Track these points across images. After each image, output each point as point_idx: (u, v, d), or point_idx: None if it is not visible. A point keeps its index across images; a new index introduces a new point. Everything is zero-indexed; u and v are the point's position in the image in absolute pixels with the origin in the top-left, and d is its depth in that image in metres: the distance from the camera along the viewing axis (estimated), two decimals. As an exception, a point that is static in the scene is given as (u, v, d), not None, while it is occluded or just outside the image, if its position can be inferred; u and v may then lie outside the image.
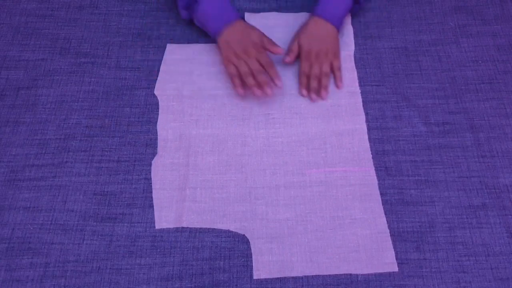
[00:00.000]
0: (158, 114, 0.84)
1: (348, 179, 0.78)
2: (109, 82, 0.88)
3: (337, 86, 0.86)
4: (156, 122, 0.83)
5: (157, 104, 0.85)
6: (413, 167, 0.80)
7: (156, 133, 0.82)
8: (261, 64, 0.82)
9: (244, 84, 0.83)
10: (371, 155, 0.80)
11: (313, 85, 0.85)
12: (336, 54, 0.87)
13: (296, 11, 0.96)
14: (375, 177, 0.78)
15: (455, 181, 0.78)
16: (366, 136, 0.82)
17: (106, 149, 0.81)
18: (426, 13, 0.97)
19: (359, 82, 0.88)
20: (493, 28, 0.95)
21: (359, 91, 0.87)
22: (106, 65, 0.89)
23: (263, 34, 0.85)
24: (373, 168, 0.79)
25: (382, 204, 0.76)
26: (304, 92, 0.85)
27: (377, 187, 0.77)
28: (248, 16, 0.96)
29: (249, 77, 0.82)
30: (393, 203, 0.76)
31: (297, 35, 0.88)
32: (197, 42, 0.93)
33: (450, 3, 0.98)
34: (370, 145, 0.81)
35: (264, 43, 0.84)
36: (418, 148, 0.81)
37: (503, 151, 0.81)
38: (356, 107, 0.85)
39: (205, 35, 0.93)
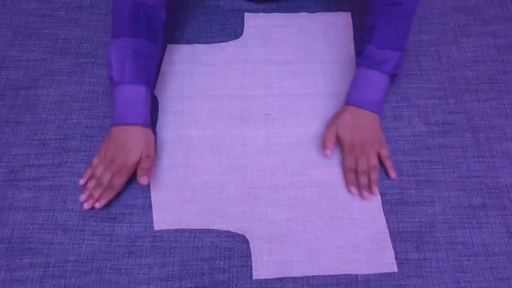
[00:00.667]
0: (158, 114, 0.84)
1: (347, 179, 0.78)
2: (109, 82, 0.88)
3: (390, 176, 0.77)
4: (156, 122, 0.83)
5: (157, 104, 0.85)
6: (413, 167, 0.79)
7: (156, 133, 0.82)
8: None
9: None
10: (370, 156, 0.80)
11: (363, 182, 0.76)
12: (382, 142, 0.78)
13: (296, 11, 0.96)
14: (375, 177, 0.78)
15: (455, 181, 0.78)
16: (366, 137, 0.82)
17: (106, 149, 0.81)
18: (426, 13, 0.97)
19: (359, 82, 0.88)
20: (493, 28, 0.95)
21: (359, 91, 0.87)
22: (106, 65, 0.89)
23: (146, 157, 0.74)
24: (373, 169, 0.79)
25: (382, 204, 0.76)
26: (354, 190, 0.76)
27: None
28: (248, 16, 0.96)
29: (92, 181, 0.75)
30: (393, 203, 0.76)
31: (333, 124, 0.80)
32: (197, 42, 0.93)
33: (450, 3, 0.98)
34: (370, 145, 0.81)
35: (137, 168, 0.74)
36: (418, 148, 0.81)
37: (503, 151, 0.81)
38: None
39: (205, 35, 0.93)
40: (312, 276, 0.70)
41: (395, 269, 0.71)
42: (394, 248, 0.72)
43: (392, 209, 0.76)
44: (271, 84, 0.88)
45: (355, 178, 0.77)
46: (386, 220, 0.75)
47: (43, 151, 0.80)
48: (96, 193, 0.74)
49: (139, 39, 0.76)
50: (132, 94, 0.75)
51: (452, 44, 0.93)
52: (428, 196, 0.77)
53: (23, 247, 0.72)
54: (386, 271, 0.70)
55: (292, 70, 0.89)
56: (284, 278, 0.70)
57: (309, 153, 0.81)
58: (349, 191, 0.76)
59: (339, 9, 0.97)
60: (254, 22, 0.95)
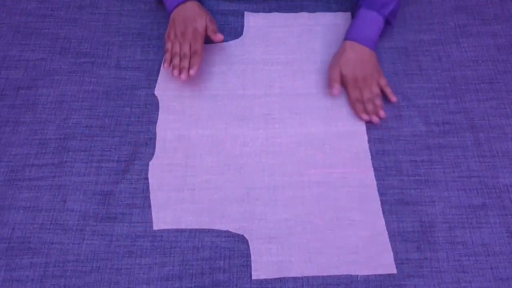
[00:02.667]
0: (158, 114, 0.84)
1: (346, 180, 0.78)
2: (109, 82, 0.88)
3: (391, 100, 0.85)
4: (156, 122, 0.83)
5: (157, 104, 0.85)
6: (413, 167, 0.79)
7: (156, 133, 0.82)
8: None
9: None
10: (370, 157, 0.80)
11: (370, 108, 0.83)
12: (380, 73, 0.86)
13: (296, 11, 0.96)
14: (374, 179, 0.78)
15: (455, 181, 0.78)
16: (366, 138, 0.82)
17: (106, 149, 0.81)
18: (426, 13, 0.97)
19: (359, 82, 0.88)
20: (493, 28, 0.95)
21: (359, 91, 0.87)
22: (106, 65, 0.89)
23: (210, 21, 0.87)
24: (372, 170, 0.79)
25: (382, 204, 0.76)
26: (365, 116, 0.83)
27: (376, 189, 0.77)
28: (248, 16, 0.96)
29: (176, 57, 0.84)
30: (393, 203, 0.76)
31: (336, 64, 0.86)
32: (197, 42, 0.93)
33: (450, 3, 0.98)
34: (370, 145, 0.81)
35: (207, 31, 0.86)
36: (418, 148, 0.81)
37: (503, 151, 0.81)
38: (357, 108, 0.85)
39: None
40: (312, 276, 0.70)
41: (394, 270, 0.70)
42: (394, 248, 0.72)
43: (392, 209, 0.76)
44: (271, 84, 0.87)
45: (364, 107, 0.84)
46: (386, 220, 0.75)
47: (43, 151, 0.80)
48: (186, 64, 0.83)
49: None
50: None
51: (452, 44, 0.92)
52: (428, 196, 0.77)
53: (23, 247, 0.72)
54: (385, 272, 0.70)
55: (292, 70, 0.89)
56: (284, 278, 0.70)
57: (308, 154, 0.80)
58: (361, 118, 0.83)
59: (339, 9, 0.97)
60: (254, 22, 0.95)
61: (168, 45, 0.85)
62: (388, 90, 0.85)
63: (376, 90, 0.84)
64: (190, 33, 0.84)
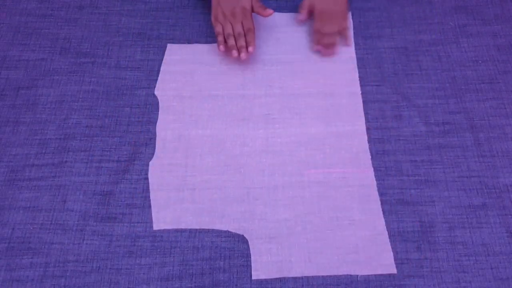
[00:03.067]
0: (158, 114, 0.84)
1: (346, 180, 0.78)
2: (109, 82, 0.88)
3: (347, 44, 0.91)
4: (156, 122, 0.83)
5: (157, 104, 0.85)
6: (413, 167, 0.79)
7: (156, 133, 0.82)
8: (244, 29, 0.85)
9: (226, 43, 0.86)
10: (370, 157, 0.80)
11: (326, 41, 0.89)
12: (345, 16, 0.91)
13: (296, 11, 0.96)
14: (374, 178, 0.78)
15: (455, 181, 0.78)
16: (366, 138, 0.82)
17: (106, 149, 0.81)
18: (426, 13, 0.97)
19: (360, 82, 0.88)
20: (493, 28, 0.95)
21: (360, 92, 0.87)
22: (106, 65, 0.89)
23: None
24: (372, 170, 0.79)
25: (382, 204, 0.76)
26: (318, 47, 0.90)
27: (376, 188, 0.77)
28: (248, 16, 0.96)
29: (231, 38, 0.85)
30: (393, 203, 0.76)
31: None
32: (197, 42, 0.93)
33: (450, 3, 0.98)
34: (370, 145, 0.81)
35: (254, 8, 0.86)
36: (418, 148, 0.81)
37: (503, 151, 0.81)
38: (356, 108, 0.85)
39: (205, 35, 0.93)
40: (312, 276, 0.70)
41: (394, 270, 0.70)
42: (394, 248, 0.72)
43: (392, 209, 0.76)
44: (271, 84, 0.88)
45: (321, 39, 0.89)
46: (386, 220, 0.75)
47: (43, 151, 0.80)
48: (243, 42, 0.84)
49: None
50: None
51: (452, 44, 0.92)
52: (428, 196, 0.77)
53: (23, 247, 0.72)
54: (385, 272, 0.70)
55: (292, 70, 0.89)
56: (284, 278, 0.70)
57: (308, 154, 0.80)
58: (314, 49, 0.91)
59: (339, 9, 0.97)
60: (254, 22, 0.94)
61: (218, 28, 0.86)
62: (346, 33, 0.91)
63: (336, 28, 0.89)
64: (240, 12, 0.84)
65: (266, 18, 0.95)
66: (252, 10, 0.86)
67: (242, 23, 0.85)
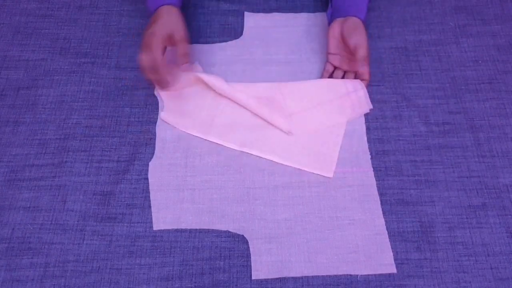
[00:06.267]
0: (158, 114, 0.84)
1: (346, 180, 0.78)
2: (109, 82, 0.88)
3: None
4: (156, 122, 0.83)
5: (157, 104, 0.85)
6: (413, 167, 0.80)
7: (156, 133, 0.82)
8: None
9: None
10: (369, 156, 0.80)
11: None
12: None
13: (296, 11, 0.96)
14: (374, 178, 0.78)
15: (455, 181, 0.78)
16: (365, 138, 0.82)
17: (106, 149, 0.81)
18: (426, 13, 0.97)
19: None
20: (493, 28, 0.95)
21: (359, 92, 0.87)
22: (106, 65, 0.90)
23: (179, 35, 0.79)
24: (372, 169, 0.79)
25: (382, 204, 0.76)
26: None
27: (376, 188, 0.77)
28: (248, 16, 0.96)
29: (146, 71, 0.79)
30: (393, 203, 0.76)
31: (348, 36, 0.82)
32: (197, 42, 0.93)
33: (450, 3, 0.98)
34: (370, 145, 0.81)
35: (175, 43, 0.80)
36: (418, 148, 0.81)
37: (503, 151, 0.81)
38: (356, 108, 0.85)
39: (205, 35, 0.93)
40: (312, 276, 0.70)
41: (394, 270, 0.71)
42: (394, 248, 0.72)
43: (392, 209, 0.76)
44: (271, 84, 0.87)
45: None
46: (386, 220, 0.75)
47: (43, 151, 0.80)
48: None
49: None
50: None
51: (452, 44, 0.93)
52: (428, 196, 0.77)
53: (23, 247, 0.72)
54: (385, 272, 0.70)
55: (292, 70, 0.89)
56: (284, 278, 0.70)
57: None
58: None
59: (339, 9, 0.97)
60: (254, 22, 0.95)
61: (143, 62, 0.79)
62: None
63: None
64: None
65: (266, 17, 0.94)
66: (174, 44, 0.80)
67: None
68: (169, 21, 0.80)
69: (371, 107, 0.84)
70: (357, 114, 0.83)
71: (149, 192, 0.77)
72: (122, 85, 0.87)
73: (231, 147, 0.80)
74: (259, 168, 0.79)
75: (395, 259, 0.71)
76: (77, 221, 0.74)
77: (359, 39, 0.81)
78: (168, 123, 0.83)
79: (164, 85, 0.81)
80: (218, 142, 0.81)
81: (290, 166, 0.79)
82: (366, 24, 0.87)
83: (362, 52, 0.81)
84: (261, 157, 0.80)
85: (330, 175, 0.78)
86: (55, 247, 0.72)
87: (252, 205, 0.76)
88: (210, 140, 0.81)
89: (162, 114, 0.83)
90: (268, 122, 0.82)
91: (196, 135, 0.82)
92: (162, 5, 0.81)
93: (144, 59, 0.77)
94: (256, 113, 0.83)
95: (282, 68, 0.89)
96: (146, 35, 0.78)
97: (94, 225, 0.74)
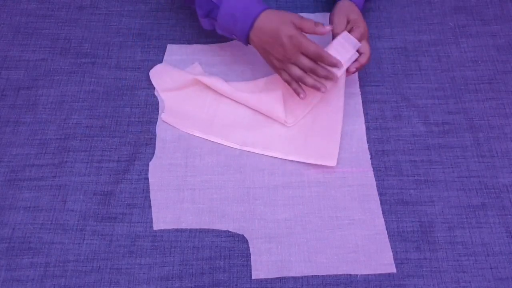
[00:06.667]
0: (158, 114, 0.84)
1: (346, 180, 0.78)
2: (109, 82, 0.88)
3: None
4: (156, 122, 0.83)
5: (157, 104, 0.86)
6: (412, 167, 0.80)
7: (156, 133, 0.82)
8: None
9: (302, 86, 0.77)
10: (369, 156, 0.80)
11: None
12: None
13: (296, 11, 0.96)
14: (373, 178, 0.78)
15: (454, 181, 0.78)
16: (365, 138, 0.82)
17: (106, 149, 0.81)
18: (426, 13, 0.97)
19: (359, 82, 0.88)
20: (493, 28, 0.95)
21: (360, 92, 0.87)
22: (106, 65, 0.90)
23: (297, 19, 0.73)
24: (371, 169, 0.79)
25: (382, 204, 0.76)
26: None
27: (375, 188, 0.77)
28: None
29: (306, 78, 0.74)
30: (392, 203, 0.76)
31: (353, 18, 0.80)
32: (197, 42, 0.93)
33: (450, 3, 0.98)
34: (369, 145, 0.81)
35: (305, 27, 0.73)
36: (418, 148, 0.81)
37: (503, 151, 0.81)
38: (356, 109, 0.85)
39: (205, 35, 0.93)
40: (312, 275, 0.70)
41: (393, 270, 0.71)
42: (394, 248, 0.73)
43: (391, 209, 0.76)
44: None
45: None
46: (386, 220, 0.75)
47: (43, 151, 0.80)
48: (310, 81, 0.74)
49: None
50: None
51: (452, 44, 0.93)
52: (428, 196, 0.77)
53: (24, 247, 0.72)
54: (385, 272, 0.70)
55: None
56: (284, 277, 0.70)
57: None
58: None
59: (339, 9, 0.97)
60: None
61: (284, 76, 0.77)
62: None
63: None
64: (291, 46, 0.73)
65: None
66: (304, 30, 0.73)
67: (304, 55, 0.72)
68: (279, 15, 0.74)
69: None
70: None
71: (149, 192, 0.77)
72: (122, 85, 0.88)
73: (232, 146, 0.81)
74: (259, 168, 0.79)
75: (394, 259, 0.72)
76: (77, 221, 0.74)
77: (357, 18, 0.80)
78: (169, 124, 0.83)
79: (330, 76, 0.74)
80: (219, 142, 0.81)
81: (290, 166, 0.79)
82: (366, 24, 0.87)
83: (362, 27, 0.79)
84: (261, 157, 0.80)
85: (334, 163, 0.78)
86: (55, 247, 0.72)
87: (252, 205, 0.76)
88: (211, 139, 0.81)
89: (163, 115, 0.83)
90: (267, 116, 0.82)
91: (197, 135, 0.82)
92: (256, 17, 0.74)
93: (312, 49, 0.71)
94: (255, 108, 0.83)
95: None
96: (286, 37, 0.71)
97: (94, 225, 0.74)
